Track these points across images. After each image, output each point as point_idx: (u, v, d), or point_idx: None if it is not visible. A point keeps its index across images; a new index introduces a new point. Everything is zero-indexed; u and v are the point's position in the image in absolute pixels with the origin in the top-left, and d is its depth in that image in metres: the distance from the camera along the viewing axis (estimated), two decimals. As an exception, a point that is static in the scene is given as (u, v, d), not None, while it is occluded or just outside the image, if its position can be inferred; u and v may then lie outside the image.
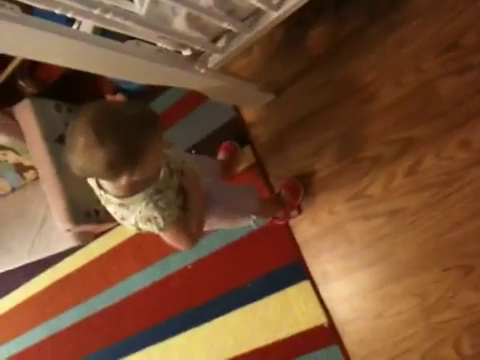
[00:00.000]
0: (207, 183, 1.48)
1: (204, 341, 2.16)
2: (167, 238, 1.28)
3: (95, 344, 2.54)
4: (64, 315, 2.65)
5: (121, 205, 1.17)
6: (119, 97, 2.35)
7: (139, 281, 2.35)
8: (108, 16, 1.12)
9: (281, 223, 1.91)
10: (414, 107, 1.67)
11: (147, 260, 2.30)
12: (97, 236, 2.40)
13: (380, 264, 1.77)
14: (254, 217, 1.66)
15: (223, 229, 2.02)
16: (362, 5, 1.75)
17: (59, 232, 2.18)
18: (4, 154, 2.27)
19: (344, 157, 1.82)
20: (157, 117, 1.10)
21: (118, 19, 1.14)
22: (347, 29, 1.78)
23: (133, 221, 1.19)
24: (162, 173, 1.21)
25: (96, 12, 1.09)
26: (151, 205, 1.16)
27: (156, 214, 1.17)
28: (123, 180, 1.06)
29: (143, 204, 1.15)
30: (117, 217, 1.23)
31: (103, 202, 1.22)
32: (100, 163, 0.99)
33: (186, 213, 1.30)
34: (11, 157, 2.29)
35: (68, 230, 2.12)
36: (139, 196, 1.15)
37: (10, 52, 1.07)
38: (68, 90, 2.39)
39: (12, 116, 2.19)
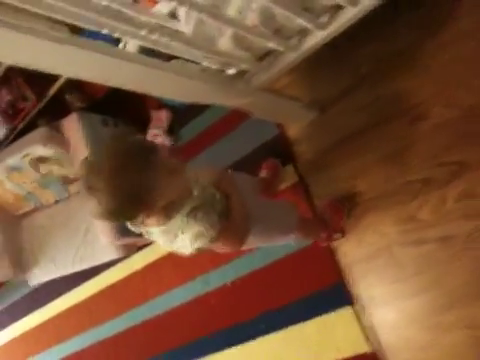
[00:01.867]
0: (245, 200, 1.44)
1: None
2: (219, 245, 1.26)
3: (136, 355, 2.54)
4: (107, 325, 2.67)
5: (163, 232, 1.16)
6: (164, 113, 2.36)
7: (179, 295, 2.34)
8: (154, 37, 1.12)
9: (323, 245, 1.85)
10: (468, 129, 1.59)
11: (188, 275, 2.28)
12: (139, 248, 2.41)
13: (430, 292, 1.68)
14: (293, 236, 1.61)
15: (264, 248, 1.99)
16: (414, 21, 1.68)
17: (102, 244, 2.21)
18: (50, 166, 2.32)
19: (392, 178, 1.74)
20: (149, 149, 1.04)
21: (164, 39, 1.13)
22: (398, 46, 1.71)
23: (182, 244, 1.17)
24: (195, 191, 1.20)
25: (143, 33, 1.09)
26: (192, 221, 1.14)
27: (201, 227, 1.16)
28: (147, 215, 1.07)
29: (183, 224, 1.14)
30: (166, 246, 1.21)
31: (146, 235, 1.21)
32: (111, 215, 1.01)
33: (230, 215, 1.28)
34: (57, 169, 2.34)
35: (111, 242, 2.14)
36: (177, 218, 1.14)
37: (57, 72, 1.08)
38: (115, 105, 2.43)
39: (59, 129, 2.24)
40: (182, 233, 1.15)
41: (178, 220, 1.14)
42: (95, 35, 1.33)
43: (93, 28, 1.07)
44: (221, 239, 1.22)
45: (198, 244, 1.16)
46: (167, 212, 1.13)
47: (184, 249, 1.18)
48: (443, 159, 1.64)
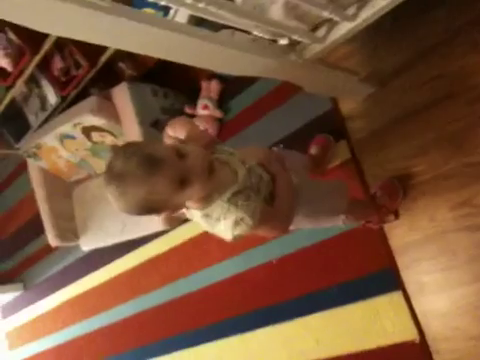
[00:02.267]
0: (294, 181, 1.38)
1: (284, 339, 2.10)
2: (261, 232, 1.21)
3: (178, 327, 2.58)
4: (151, 295, 2.71)
5: (204, 216, 1.12)
6: (215, 83, 2.31)
7: (222, 271, 2.33)
8: (201, 5, 1.06)
9: (375, 227, 1.77)
10: None
11: (232, 250, 2.26)
12: (184, 222, 2.41)
13: (484, 282, 1.59)
14: (343, 217, 1.53)
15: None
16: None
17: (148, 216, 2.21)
18: (102, 136, 2.34)
19: (451, 160, 1.63)
20: (155, 162, 0.96)
21: (212, 8, 1.07)
22: (467, 17, 1.57)
23: (223, 229, 1.13)
24: (241, 175, 1.15)
25: (188, 0, 1.04)
26: (233, 208, 1.09)
27: (241, 214, 1.10)
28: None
29: (224, 210, 1.09)
30: (208, 229, 1.17)
31: (190, 217, 1.18)
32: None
33: (275, 200, 1.22)
34: (108, 139, 2.35)
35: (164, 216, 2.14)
36: (218, 203, 1.10)
37: (101, 43, 1.05)
38: (166, 74, 2.40)
39: (110, 98, 2.24)
40: (223, 219, 1.10)
41: (219, 205, 1.10)
42: (144, 3, 1.30)
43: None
44: (262, 226, 1.16)
45: (238, 231, 1.11)
46: (208, 197, 1.09)
47: (224, 234, 1.14)
48: (511, 141, 1.51)
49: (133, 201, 0.97)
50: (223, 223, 1.11)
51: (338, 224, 1.55)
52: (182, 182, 0.99)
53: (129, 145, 1.04)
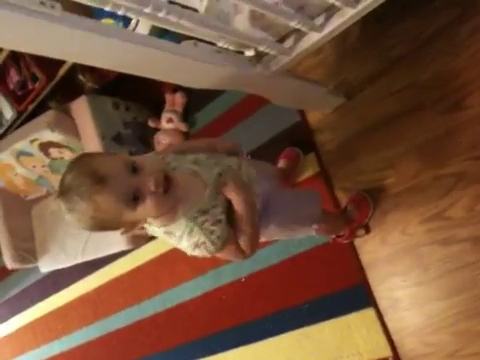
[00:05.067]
0: (265, 189, 1.31)
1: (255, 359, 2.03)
2: (222, 256, 1.14)
3: (144, 349, 2.48)
4: (115, 316, 2.62)
5: (166, 233, 1.05)
6: (179, 96, 2.24)
7: (190, 289, 2.25)
8: (161, 14, 0.99)
9: (345, 242, 1.72)
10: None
11: (200, 269, 2.19)
12: (149, 240, 2.32)
13: (458, 296, 1.56)
14: (315, 226, 1.47)
15: (281, 241, 1.88)
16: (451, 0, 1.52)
17: (111, 234, 2.12)
18: (61, 152, 2.24)
19: (423, 172, 1.60)
20: (99, 178, 0.88)
21: (172, 18, 1.00)
22: (434, 26, 1.56)
23: (183, 248, 1.06)
24: (207, 192, 1.07)
25: (147, 10, 0.97)
26: (196, 229, 1.02)
27: (203, 239, 1.03)
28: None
29: (187, 230, 1.02)
30: (175, 245, 1.10)
31: (152, 233, 1.10)
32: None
33: (234, 224, 1.12)
34: (67, 155, 2.25)
35: (121, 232, 2.05)
36: (182, 221, 1.02)
37: (55, 56, 0.97)
38: (128, 87, 2.31)
39: (69, 113, 2.14)
40: (185, 240, 1.03)
41: (183, 223, 1.03)
42: (104, 13, 1.21)
43: (94, 5, 0.95)
44: (222, 254, 1.09)
45: (196, 253, 1.05)
46: (170, 214, 1.01)
47: (185, 250, 1.07)
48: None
49: (82, 218, 0.90)
50: (182, 244, 1.05)
51: (311, 233, 1.49)
52: (133, 199, 0.91)
53: (81, 157, 0.95)
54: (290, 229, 1.43)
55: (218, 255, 1.11)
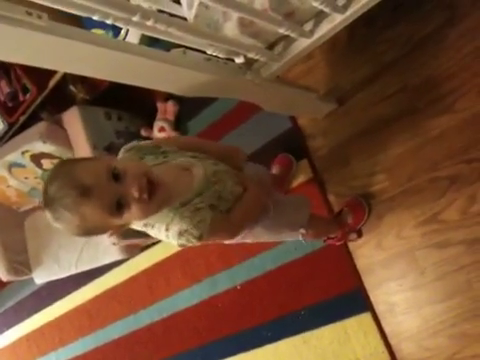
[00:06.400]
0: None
1: (253, 367, 2.02)
2: (209, 241, 1.15)
3: (141, 359, 2.46)
4: (111, 327, 2.60)
5: (145, 225, 1.05)
6: (171, 105, 2.23)
7: (186, 298, 2.24)
8: (149, 23, 0.98)
9: (336, 244, 1.72)
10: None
11: (195, 277, 2.18)
12: (144, 249, 2.31)
13: (455, 299, 1.56)
14: (303, 231, 1.47)
15: (276, 247, 1.88)
16: (441, 3, 1.53)
17: (106, 244, 2.11)
18: (53, 163, 2.22)
19: (416, 176, 1.60)
20: (83, 190, 0.87)
21: (160, 26, 1.00)
22: (424, 31, 1.56)
23: (165, 239, 1.06)
24: (195, 187, 1.07)
25: (135, 19, 0.96)
26: (177, 218, 1.02)
27: (185, 226, 1.02)
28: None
29: (168, 220, 1.02)
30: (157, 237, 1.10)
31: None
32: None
33: (232, 210, 1.15)
34: (60, 165, 2.23)
35: (114, 243, 2.04)
36: (163, 213, 1.02)
37: (40, 65, 0.96)
38: (120, 97, 2.31)
39: (60, 124, 2.13)
40: (165, 230, 1.03)
41: (164, 215, 1.02)
42: (94, 23, 1.21)
43: (83, 14, 0.94)
44: (210, 237, 1.09)
45: (182, 241, 1.03)
46: (155, 211, 1.01)
47: (170, 241, 1.06)
48: (473, 155, 1.50)
49: (68, 227, 0.92)
50: (165, 234, 1.04)
51: (297, 237, 1.49)
52: (118, 207, 0.91)
53: (62, 165, 0.95)
54: (277, 232, 1.44)
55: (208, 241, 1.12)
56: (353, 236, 1.72)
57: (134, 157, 1.12)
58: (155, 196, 0.96)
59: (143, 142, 1.20)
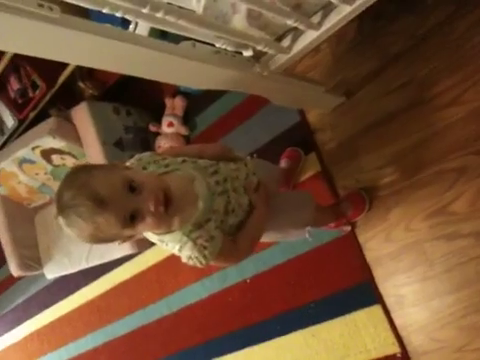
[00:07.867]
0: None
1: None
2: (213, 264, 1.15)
3: (151, 353, 2.47)
4: (120, 322, 2.61)
5: (160, 241, 1.07)
6: (179, 100, 2.25)
7: (196, 292, 2.25)
8: (159, 15, 0.99)
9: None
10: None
11: (204, 271, 2.17)
12: (154, 244, 2.31)
13: (464, 291, 1.55)
14: (309, 228, 1.47)
15: (285, 243, 1.88)
16: (449, -5, 1.53)
17: (115, 240, 2.12)
18: (63, 158, 2.24)
19: (424, 168, 1.60)
20: (100, 201, 0.89)
21: (170, 18, 1.01)
22: (431, 23, 1.56)
23: (176, 254, 1.08)
24: (201, 204, 1.07)
25: (145, 11, 0.97)
26: (190, 244, 1.02)
27: (196, 254, 1.03)
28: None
29: (182, 243, 1.03)
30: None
31: (146, 236, 1.11)
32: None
33: (240, 233, 1.16)
34: (69, 161, 2.25)
35: (118, 243, 2.06)
36: (177, 234, 1.03)
37: (51, 57, 0.97)
38: (128, 92, 2.33)
39: (70, 119, 2.15)
40: (177, 250, 1.05)
41: (177, 237, 1.03)
42: (103, 18, 1.22)
43: (92, 7, 0.95)
44: (216, 262, 1.10)
45: (191, 263, 1.06)
46: (167, 228, 1.03)
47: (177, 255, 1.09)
48: (481, 146, 1.49)
49: (82, 234, 0.92)
50: (178, 253, 1.06)
51: (304, 236, 1.49)
52: (132, 218, 0.93)
53: (78, 171, 0.96)
54: (284, 232, 1.45)
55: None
56: (347, 228, 1.73)
57: (139, 167, 1.12)
58: (169, 210, 0.97)
59: (148, 153, 1.20)
